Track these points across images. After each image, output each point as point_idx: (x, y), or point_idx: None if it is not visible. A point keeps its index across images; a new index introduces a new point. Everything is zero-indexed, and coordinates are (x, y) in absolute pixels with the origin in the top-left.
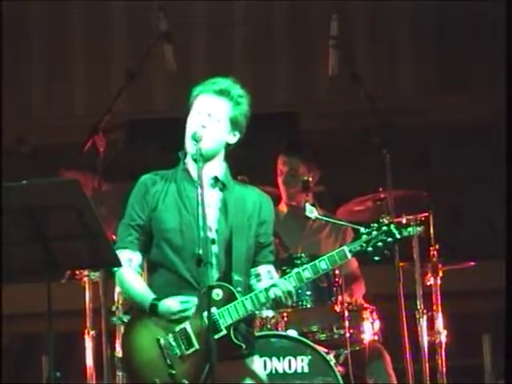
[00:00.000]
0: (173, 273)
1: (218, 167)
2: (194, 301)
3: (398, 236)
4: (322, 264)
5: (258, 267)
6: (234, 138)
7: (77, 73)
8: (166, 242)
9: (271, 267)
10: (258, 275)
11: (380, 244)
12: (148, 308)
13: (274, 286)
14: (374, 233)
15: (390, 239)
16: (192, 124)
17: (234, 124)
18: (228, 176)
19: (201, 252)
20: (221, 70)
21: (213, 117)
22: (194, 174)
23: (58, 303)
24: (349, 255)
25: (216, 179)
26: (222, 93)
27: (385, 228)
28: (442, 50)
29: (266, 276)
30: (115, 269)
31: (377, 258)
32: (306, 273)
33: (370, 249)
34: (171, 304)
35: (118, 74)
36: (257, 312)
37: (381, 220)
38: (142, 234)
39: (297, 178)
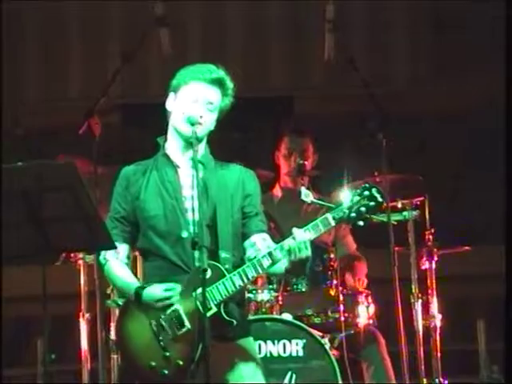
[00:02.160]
0: (161, 258)
1: (199, 149)
2: (177, 287)
3: (380, 199)
4: (307, 233)
5: (251, 237)
6: (213, 125)
7: (72, 55)
8: (151, 228)
9: (265, 235)
10: (253, 244)
11: (363, 209)
12: (134, 296)
13: (289, 239)
14: (356, 198)
15: (372, 203)
16: (189, 110)
17: (220, 113)
18: (207, 156)
19: (192, 235)
20: (216, 54)
21: (211, 106)
22: (174, 157)
23: (53, 286)
24: (332, 222)
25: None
26: (217, 82)
27: (366, 192)
28: (438, 35)
29: (263, 244)
30: (103, 262)
31: (361, 223)
32: (286, 244)
33: (352, 214)
34: (154, 291)
35: (114, 57)
36: (251, 296)
37: (363, 185)
38: (127, 226)
39: (296, 159)
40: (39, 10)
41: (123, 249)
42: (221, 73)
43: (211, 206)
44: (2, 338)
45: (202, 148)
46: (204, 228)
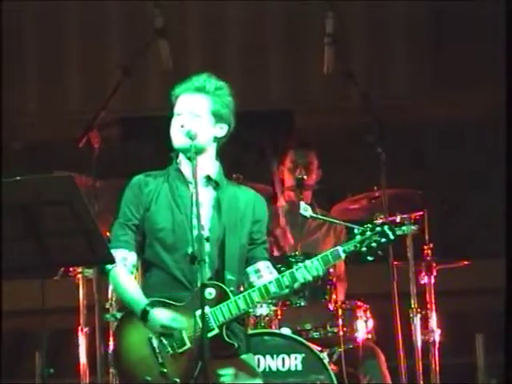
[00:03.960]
0: (165, 272)
1: (210, 165)
2: (183, 322)
3: (392, 237)
4: (315, 263)
5: (256, 263)
6: (221, 131)
7: (71, 68)
8: (158, 241)
9: (269, 263)
10: (257, 271)
11: (374, 244)
12: (139, 313)
13: (299, 268)
14: (368, 233)
15: (383, 240)
16: (173, 125)
17: (218, 117)
18: (221, 175)
19: (195, 249)
20: (215, 67)
21: (194, 114)
22: (186, 173)
23: (52, 300)
24: (342, 255)
25: (209, 178)
26: (198, 89)
27: (378, 228)
28: (437, 47)
29: (266, 271)
30: (109, 267)
31: (370, 258)
32: (299, 274)
33: (363, 249)
34: (161, 317)
35: (113, 71)
36: (250, 310)
37: (375, 220)
38: (137, 234)
39: (311, 172)
40: (39, 22)
41: (131, 257)
42: (201, 79)
43: (222, 226)
44: (1, 350)
45: (215, 165)
46: (212, 247)
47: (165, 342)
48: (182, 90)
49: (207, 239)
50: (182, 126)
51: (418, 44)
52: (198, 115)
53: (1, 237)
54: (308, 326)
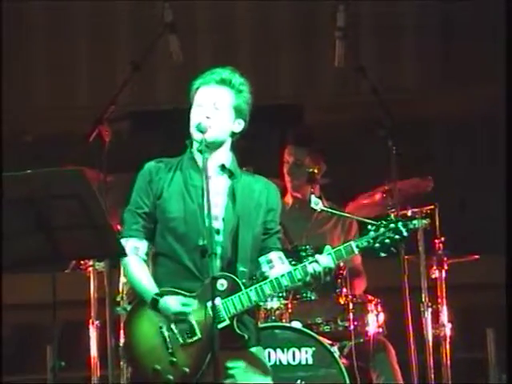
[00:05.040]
0: (176, 262)
1: (224, 156)
2: (194, 303)
3: (406, 234)
4: (329, 258)
5: (268, 254)
6: (238, 127)
7: (81, 63)
8: (169, 231)
9: (281, 254)
10: (270, 261)
11: (387, 241)
12: (149, 302)
13: (312, 262)
14: (382, 229)
15: (397, 236)
16: (196, 116)
17: (238, 112)
18: (235, 164)
19: (205, 242)
20: (225, 62)
21: (216, 106)
22: (200, 163)
23: (63, 293)
24: (356, 250)
25: (223, 167)
26: (224, 82)
27: (392, 225)
28: (447, 42)
29: (278, 262)
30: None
31: (383, 254)
32: (310, 268)
33: (377, 245)
34: (171, 303)
35: (123, 65)
36: (261, 303)
37: (388, 217)
38: (148, 222)
39: (302, 169)
40: (48, 18)
41: (143, 245)
42: (226, 72)
43: (236, 216)
44: (1, 343)
45: (229, 154)
46: (225, 237)
47: (175, 331)
48: (205, 81)
49: (217, 231)
50: (207, 118)
51: (428, 39)
52: (221, 108)
53: (11, 230)
54: (319, 320)
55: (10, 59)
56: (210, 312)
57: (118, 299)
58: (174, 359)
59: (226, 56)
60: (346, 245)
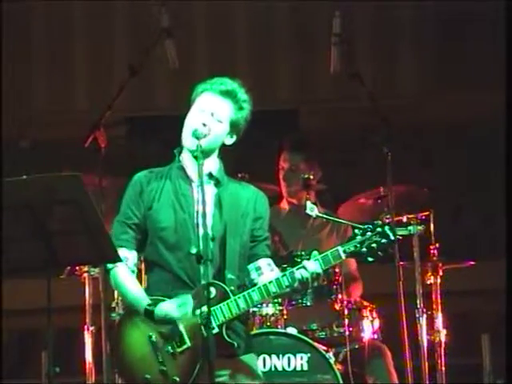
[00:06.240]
0: (167, 271)
1: (212, 163)
2: (189, 301)
3: (392, 237)
4: (317, 264)
5: (257, 261)
6: (230, 140)
7: (78, 67)
8: (160, 240)
9: (270, 260)
10: (258, 268)
11: (374, 245)
12: (143, 313)
13: (301, 268)
14: (369, 234)
15: (384, 240)
16: (193, 120)
17: (234, 127)
18: (222, 172)
19: (201, 249)
20: (222, 67)
21: (215, 116)
22: (189, 171)
23: (58, 299)
24: (343, 255)
25: (210, 175)
26: (228, 94)
27: (379, 229)
28: (443, 47)
29: (267, 269)
30: (110, 267)
31: (370, 259)
32: (298, 274)
33: (364, 249)
34: (168, 309)
35: (120, 70)
36: (256, 309)
37: (375, 221)
38: (137, 233)
39: (297, 175)
40: (47, 21)
41: (132, 256)
42: (233, 85)
43: (223, 224)
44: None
45: (216, 162)
46: (214, 245)
47: (165, 340)
48: (211, 88)
49: (213, 238)
50: (204, 125)
51: (425, 44)
52: (219, 119)
53: (7, 236)
54: (314, 326)
55: (8, 62)
56: (199, 320)
57: (113, 305)
58: (164, 368)
59: (222, 61)
60: (332, 250)
